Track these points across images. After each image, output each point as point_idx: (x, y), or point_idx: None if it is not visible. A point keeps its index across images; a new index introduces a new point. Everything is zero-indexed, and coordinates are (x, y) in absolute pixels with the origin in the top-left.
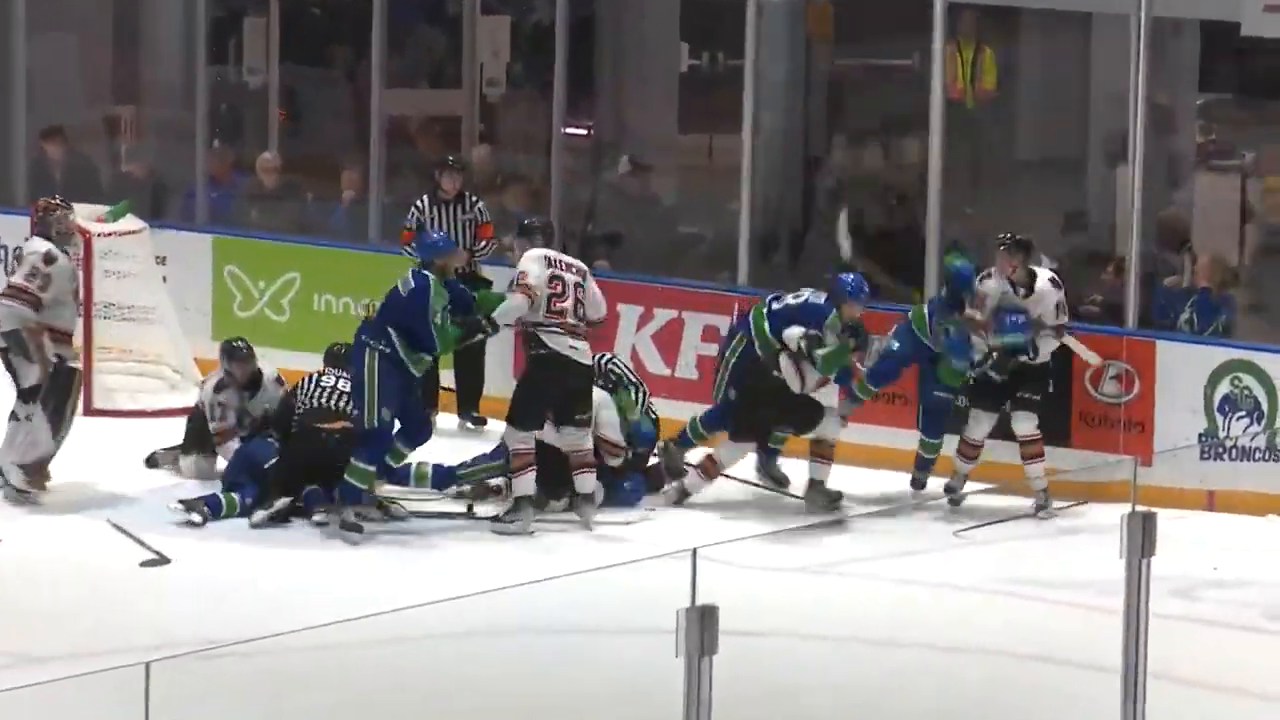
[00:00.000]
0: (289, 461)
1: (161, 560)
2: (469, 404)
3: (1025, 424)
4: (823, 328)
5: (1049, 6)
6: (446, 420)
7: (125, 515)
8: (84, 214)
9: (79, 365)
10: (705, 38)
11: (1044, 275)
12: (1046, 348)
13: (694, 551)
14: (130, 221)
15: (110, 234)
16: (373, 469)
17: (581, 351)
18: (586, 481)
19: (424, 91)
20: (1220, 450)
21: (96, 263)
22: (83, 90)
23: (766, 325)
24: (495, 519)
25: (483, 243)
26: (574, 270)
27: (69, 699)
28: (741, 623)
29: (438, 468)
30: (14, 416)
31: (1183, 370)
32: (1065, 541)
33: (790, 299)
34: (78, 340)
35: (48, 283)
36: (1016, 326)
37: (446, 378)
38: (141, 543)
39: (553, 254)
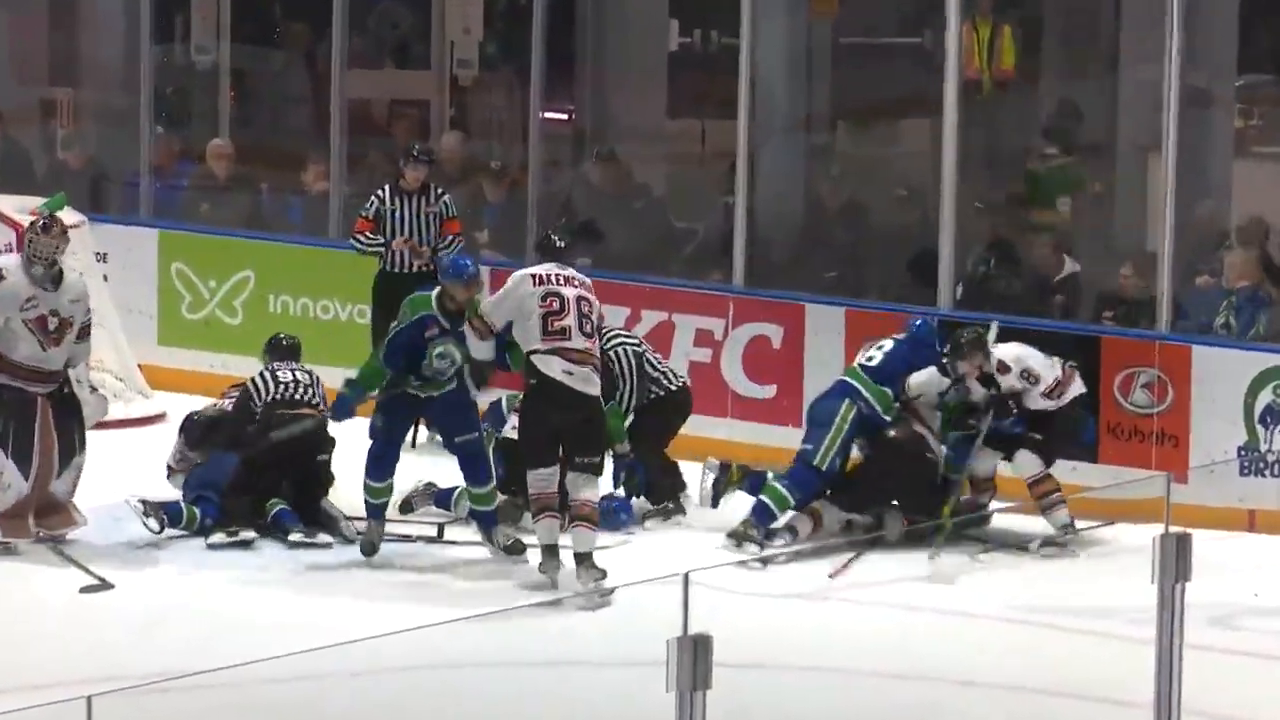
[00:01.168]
0: (259, 456)
1: (103, 585)
2: None
3: (1029, 465)
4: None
5: None
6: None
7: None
8: (15, 206)
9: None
10: (696, 14)
11: (1008, 357)
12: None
13: (685, 576)
14: (67, 215)
15: None
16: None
17: (581, 378)
18: (584, 538)
19: (389, 72)
20: (1262, 465)
21: None
22: (12, 70)
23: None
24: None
25: (449, 238)
26: (575, 283)
27: None
28: (737, 654)
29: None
30: None
31: (1220, 377)
32: (1092, 565)
33: (875, 350)
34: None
35: None
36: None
37: None
38: (82, 566)
39: (545, 269)
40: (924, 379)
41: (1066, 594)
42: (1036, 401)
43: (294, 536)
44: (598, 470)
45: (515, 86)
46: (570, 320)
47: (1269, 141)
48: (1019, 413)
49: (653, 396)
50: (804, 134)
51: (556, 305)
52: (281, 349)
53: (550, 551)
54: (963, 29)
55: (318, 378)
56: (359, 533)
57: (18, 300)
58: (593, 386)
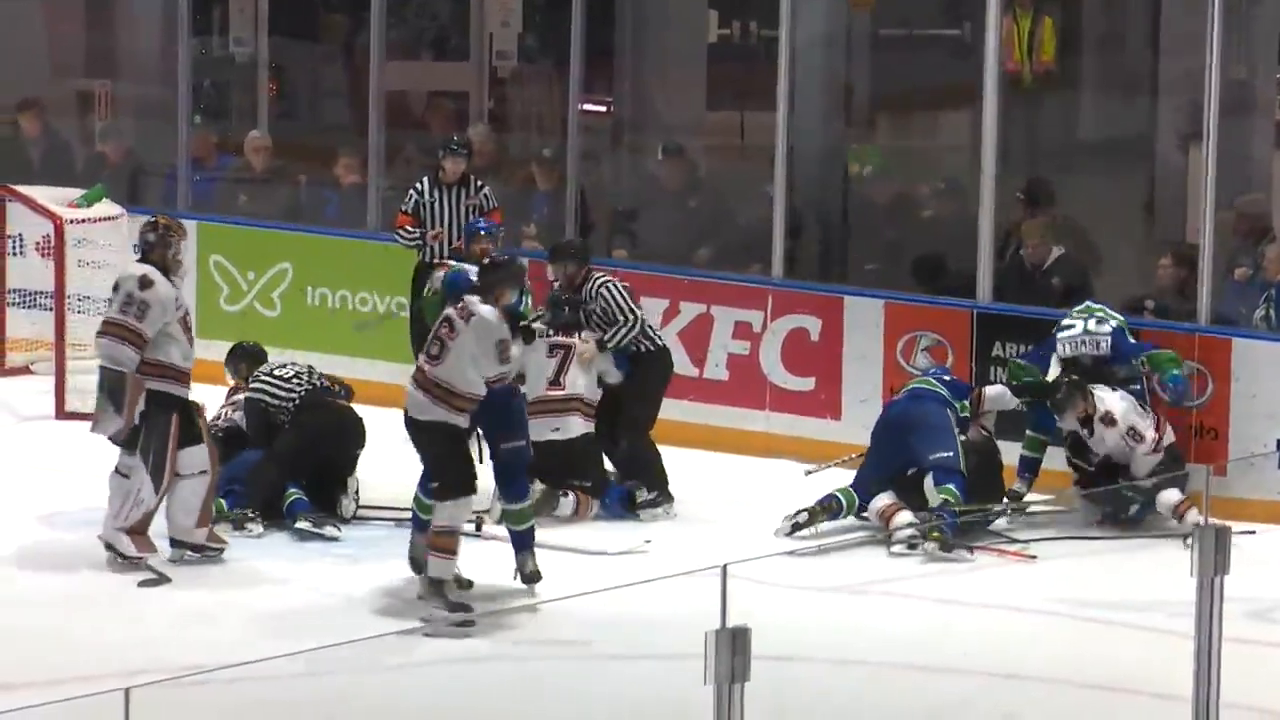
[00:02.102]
0: (290, 449)
1: (161, 579)
2: None
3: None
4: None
5: None
6: None
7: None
8: (54, 198)
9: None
10: (736, 6)
11: (1115, 411)
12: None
13: (724, 569)
14: (105, 207)
15: (83, 221)
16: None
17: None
18: (437, 566)
19: (427, 64)
20: None
21: (69, 252)
22: (50, 62)
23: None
24: None
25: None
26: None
27: None
28: (776, 646)
29: None
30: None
31: (1261, 370)
32: (1131, 558)
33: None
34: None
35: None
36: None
37: None
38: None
39: None
40: (996, 394)
41: (1106, 587)
42: (1141, 463)
43: (300, 525)
44: (439, 494)
45: (554, 79)
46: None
47: None
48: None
49: (643, 350)
50: (843, 126)
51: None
52: (255, 355)
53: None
54: (1003, 20)
55: (309, 365)
56: (354, 516)
57: (171, 303)
58: (428, 413)
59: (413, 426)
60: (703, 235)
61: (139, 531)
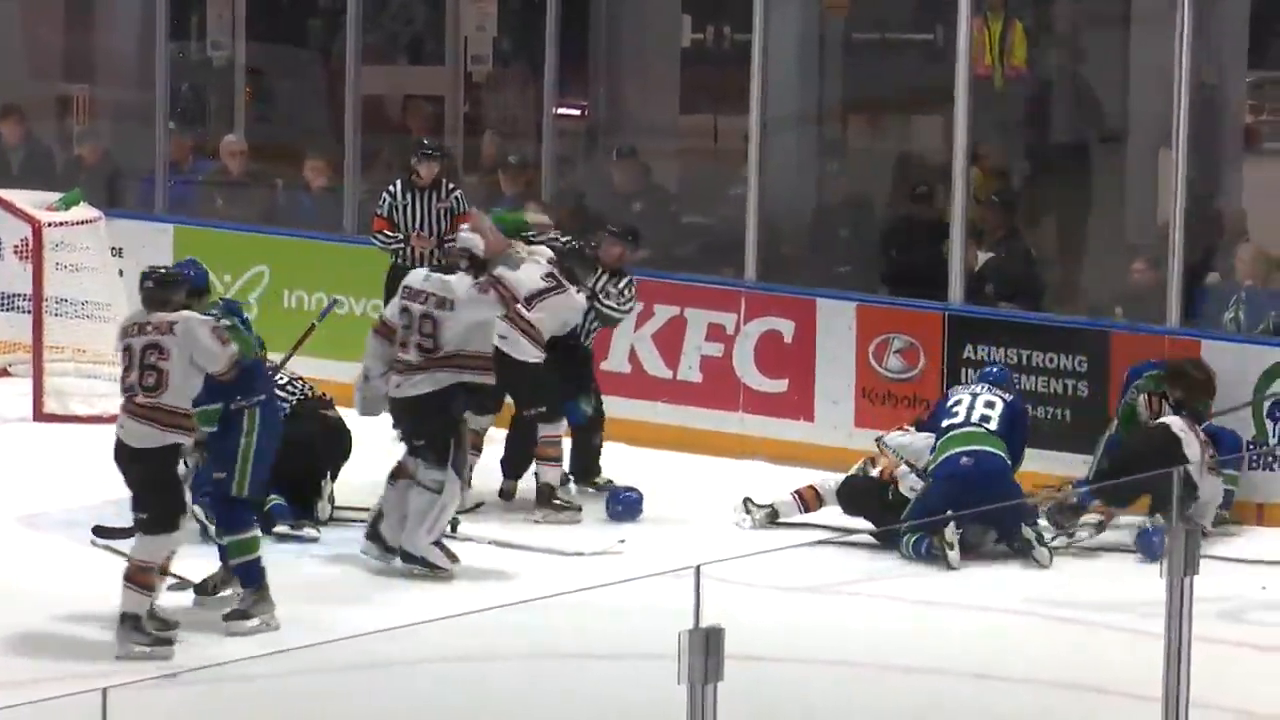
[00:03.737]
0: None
1: (185, 584)
2: None
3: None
4: None
5: None
6: None
7: (85, 529)
8: (33, 201)
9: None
10: (709, 10)
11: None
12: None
13: (697, 569)
14: (83, 210)
15: (62, 224)
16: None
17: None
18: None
19: (403, 68)
20: (1270, 459)
21: (47, 255)
22: (28, 66)
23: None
24: None
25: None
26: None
27: None
28: (749, 646)
29: None
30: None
31: (1229, 372)
32: (1102, 559)
33: (987, 409)
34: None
35: None
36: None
37: None
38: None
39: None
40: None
41: (1078, 587)
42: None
43: (279, 528)
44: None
45: (529, 82)
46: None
47: (1278, 138)
48: None
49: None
50: (815, 129)
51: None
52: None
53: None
54: (974, 25)
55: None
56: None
57: None
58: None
59: (128, 455)
60: (664, 236)
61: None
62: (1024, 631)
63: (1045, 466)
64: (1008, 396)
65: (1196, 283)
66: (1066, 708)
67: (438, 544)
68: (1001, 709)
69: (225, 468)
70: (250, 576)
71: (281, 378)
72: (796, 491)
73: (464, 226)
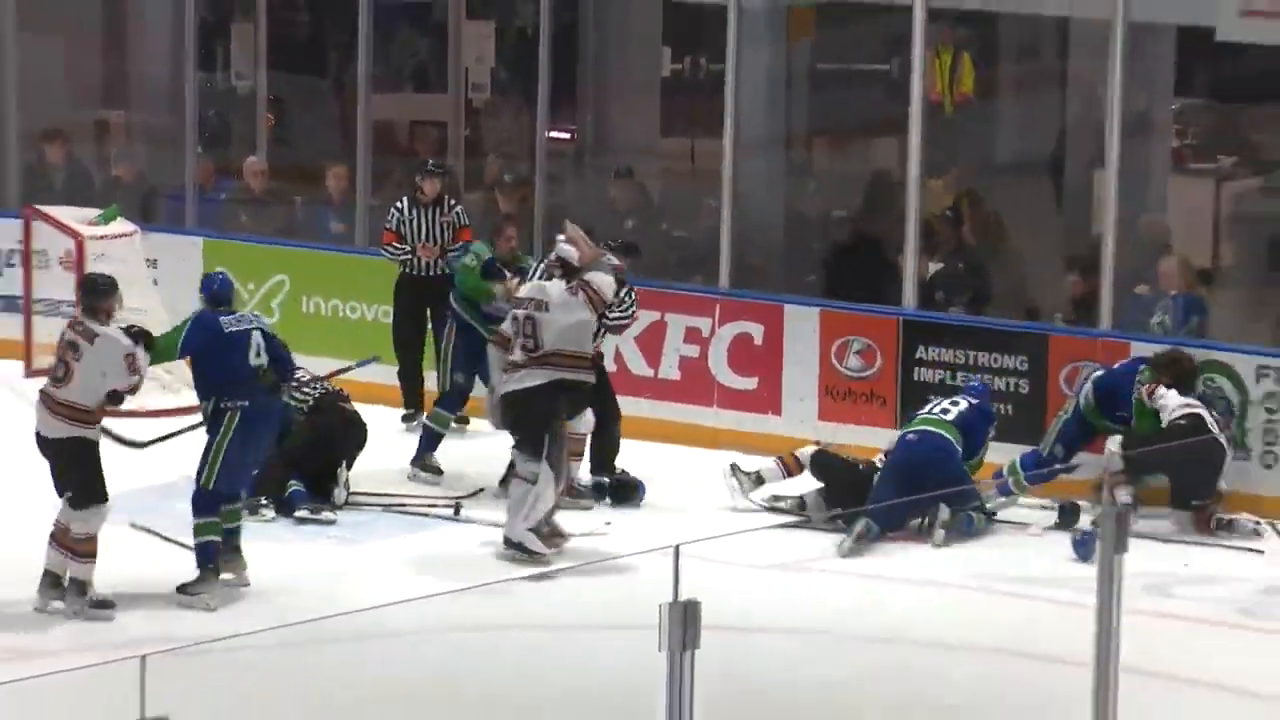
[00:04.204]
0: (298, 449)
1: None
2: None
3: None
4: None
5: (1027, 12)
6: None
7: (136, 515)
8: (75, 217)
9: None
10: (687, 42)
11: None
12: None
13: (676, 548)
14: (121, 225)
15: (102, 237)
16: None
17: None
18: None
19: (409, 96)
20: None
21: (89, 265)
22: (70, 93)
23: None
24: None
25: (460, 244)
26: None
27: (71, 691)
28: (723, 618)
29: None
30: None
31: None
32: (1044, 538)
33: (949, 404)
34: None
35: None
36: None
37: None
38: (177, 542)
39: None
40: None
41: (1021, 565)
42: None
43: (299, 513)
44: (74, 505)
45: (523, 108)
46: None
47: (1201, 159)
48: None
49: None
50: (784, 151)
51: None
52: None
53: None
54: (926, 56)
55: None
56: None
57: None
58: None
59: (42, 443)
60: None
61: (538, 530)
62: (971, 604)
63: (989, 456)
64: (975, 400)
65: (1127, 290)
66: (1008, 673)
67: (535, 531)
68: (951, 674)
69: (201, 459)
70: (204, 556)
71: (302, 374)
72: (779, 457)
73: (560, 238)
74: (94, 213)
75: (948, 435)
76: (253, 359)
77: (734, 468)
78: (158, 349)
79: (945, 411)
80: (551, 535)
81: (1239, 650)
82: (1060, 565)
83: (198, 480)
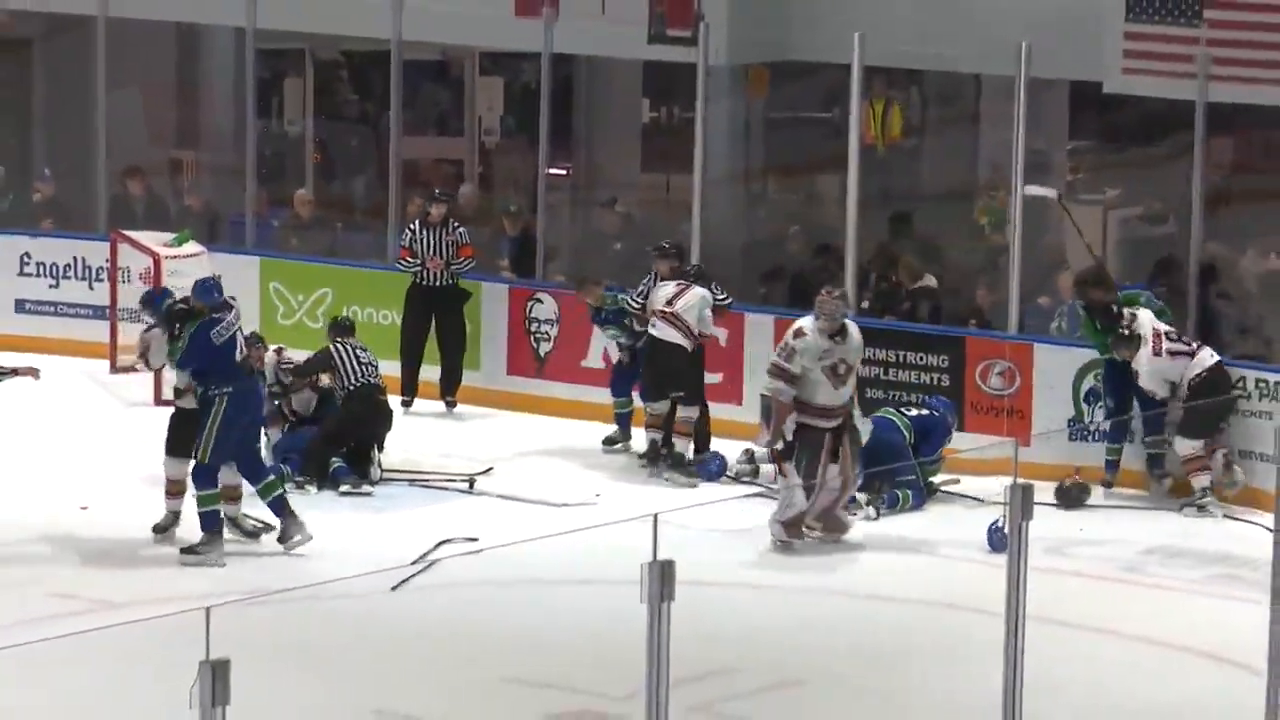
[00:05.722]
0: (337, 430)
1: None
2: (449, 390)
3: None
4: None
5: (945, 69)
6: (429, 405)
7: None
8: (153, 240)
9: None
10: (663, 94)
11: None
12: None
13: (655, 516)
14: (192, 246)
15: (175, 257)
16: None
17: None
18: None
19: (432, 138)
20: (1085, 433)
21: (166, 280)
22: (148, 136)
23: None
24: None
25: (462, 259)
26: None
27: (142, 640)
28: (694, 574)
29: None
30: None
31: (1055, 368)
32: (963, 508)
33: (916, 410)
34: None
35: (790, 356)
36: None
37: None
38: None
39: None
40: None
41: (946, 528)
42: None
43: (343, 488)
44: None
45: (527, 149)
46: None
47: (1091, 191)
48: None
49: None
50: (744, 185)
51: None
52: (346, 327)
53: None
54: (862, 106)
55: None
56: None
57: (816, 353)
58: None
59: None
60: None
61: (791, 525)
62: (904, 562)
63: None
64: (938, 412)
65: (1030, 301)
66: (934, 622)
67: (786, 524)
68: (885, 619)
69: (197, 439)
70: (208, 522)
71: (365, 355)
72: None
73: None
74: (169, 236)
75: (899, 424)
76: (237, 355)
77: (749, 452)
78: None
79: (907, 409)
80: (797, 525)
81: (1125, 601)
82: (977, 530)
83: (195, 456)
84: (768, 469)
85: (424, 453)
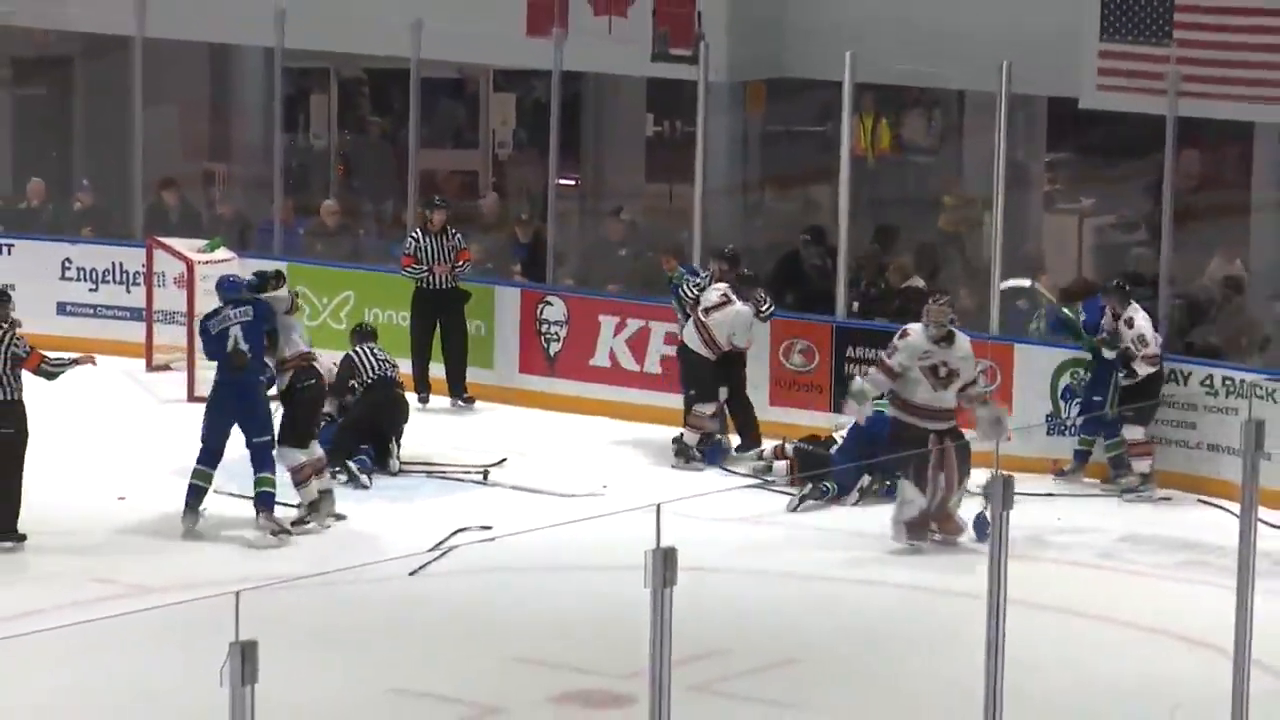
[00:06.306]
0: (357, 423)
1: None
2: (457, 386)
3: (1134, 432)
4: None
5: (930, 85)
6: (444, 401)
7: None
8: (187, 247)
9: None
10: (666, 109)
11: (1139, 313)
12: (1143, 371)
13: (658, 506)
14: (223, 253)
15: (208, 262)
16: None
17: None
18: None
19: (448, 151)
20: (1062, 428)
21: (199, 284)
22: (182, 149)
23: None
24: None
25: (461, 263)
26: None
27: (175, 623)
28: (695, 561)
29: None
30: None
31: (1034, 366)
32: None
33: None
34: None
35: (893, 353)
36: None
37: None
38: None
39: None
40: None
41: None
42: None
43: (363, 479)
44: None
45: (538, 161)
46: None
47: (1068, 200)
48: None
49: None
50: (741, 194)
51: None
52: (365, 333)
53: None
54: (853, 121)
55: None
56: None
57: (916, 353)
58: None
59: None
60: (631, 272)
61: (914, 526)
62: (891, 549)
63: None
64: None
65: (1010, 303)
66: (920, 605)
67: (904, 524)
68: (873, 602)
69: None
70: (190, 495)
71: (382, 353)
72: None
73: None
74: (201, 243)
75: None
76: (229, 347)
77: (776, 448)
78: None
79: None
80: (920, 526)
81: (1099, 584)
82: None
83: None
84: (779, 465)
85: (440, 446)
